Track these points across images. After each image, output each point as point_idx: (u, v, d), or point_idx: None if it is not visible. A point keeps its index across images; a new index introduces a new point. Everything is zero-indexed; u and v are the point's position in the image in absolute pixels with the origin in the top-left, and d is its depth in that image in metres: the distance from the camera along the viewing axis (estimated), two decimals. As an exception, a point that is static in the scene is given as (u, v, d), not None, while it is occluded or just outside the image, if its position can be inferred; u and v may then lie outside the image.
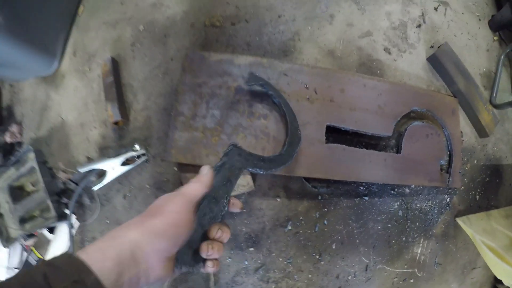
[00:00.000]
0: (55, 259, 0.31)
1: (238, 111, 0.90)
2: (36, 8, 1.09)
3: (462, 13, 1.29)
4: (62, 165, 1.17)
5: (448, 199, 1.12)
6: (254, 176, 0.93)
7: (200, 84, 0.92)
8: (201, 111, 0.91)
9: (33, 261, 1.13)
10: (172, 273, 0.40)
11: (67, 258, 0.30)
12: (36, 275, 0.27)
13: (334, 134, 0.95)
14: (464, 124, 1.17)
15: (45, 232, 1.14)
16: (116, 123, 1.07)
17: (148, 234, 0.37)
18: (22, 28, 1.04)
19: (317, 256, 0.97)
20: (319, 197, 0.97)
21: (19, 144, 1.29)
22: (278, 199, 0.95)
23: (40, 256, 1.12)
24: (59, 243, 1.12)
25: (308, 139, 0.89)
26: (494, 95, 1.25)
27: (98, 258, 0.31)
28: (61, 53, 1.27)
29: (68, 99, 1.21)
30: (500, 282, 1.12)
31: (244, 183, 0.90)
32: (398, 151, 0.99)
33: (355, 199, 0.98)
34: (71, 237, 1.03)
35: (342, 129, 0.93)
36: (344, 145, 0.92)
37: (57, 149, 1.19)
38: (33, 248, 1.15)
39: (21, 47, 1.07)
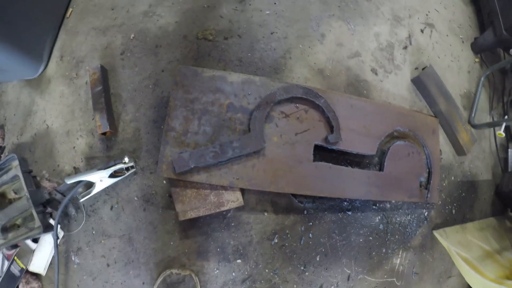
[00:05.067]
0: None
1: (229, 128, 0.91)
2: (22, 9, 1.05)
3: (447, 35, 1.36)
4: (47, 174, 1.14)
5: (426, 213, 1.19)
6: (242, 191, 0.95)
7: (192, 100, 0.93)
8: (193, 127, 0.91)
9: (15, 271, 1.10)
10: None
11: None
12: None
13: (321, 152, 0.98)
14: (443, 143, 1.24)
15: (28, 241, 1.11)
16: (104, 133, 1.05)
17: None
18: (8, 29, 1.00)
19: (302, 268, 1.01)
20: (305, 212, 1.00)
21: (1, 148, 1.25)
22: (266, 214, 0.98)
23: (22, 266, 1.08)
24: (42, 253, 1.10)
25: (297, 157, 0.92)
26: (473, 115, 1.33)
27: None
28: (47, 56, 1.23)
29: (54, 105, 1.17)
30: (474, 290, 1.19)
31: (234, 198, 0.92)
32: (380, 168, 1.04)
33: (339, 214, 1.03)
34: (57, 247, 1.01)
35: (329, 148, 0.97)
36: (330, 164, 0.96)
37: (41, 157, 1.16)
38: (16, 258, 1.11)
39: (6, 49, 1.03)
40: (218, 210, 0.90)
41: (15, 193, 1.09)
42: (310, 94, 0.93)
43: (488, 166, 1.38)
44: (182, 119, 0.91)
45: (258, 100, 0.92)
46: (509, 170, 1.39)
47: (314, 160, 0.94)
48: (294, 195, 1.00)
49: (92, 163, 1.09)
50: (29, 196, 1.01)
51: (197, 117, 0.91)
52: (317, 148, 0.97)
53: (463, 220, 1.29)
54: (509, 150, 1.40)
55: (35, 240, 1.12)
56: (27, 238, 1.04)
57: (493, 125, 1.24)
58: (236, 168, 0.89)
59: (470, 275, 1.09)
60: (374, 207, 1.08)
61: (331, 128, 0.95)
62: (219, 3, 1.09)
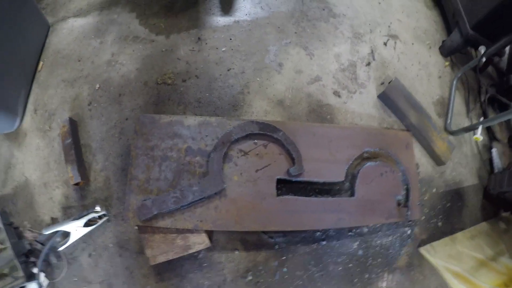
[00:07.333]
0: None
1: (189, 172, 0.92)
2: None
3: (412, 44, 1.34)
4: (29, 225, 1.18)
5: (409, 231, 1.15)
6: (210, 232, 0.95)
7: (152, 147, 0.94)
8: (155, 174, 0.93)
9: (9, 321, 1.12)
10: None
11: None
12: None
13: (287, 185, 0.97)
14: (420, 155, 1.21)
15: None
16: (77, 184, 1.08)
17: None
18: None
19: (281, 304, 0.98)
20: (276, 247, 0.99)
21: (-14, 202, 1.29)
22: (237, 252, 0.97)
23: (15, 316, 1.10)
24: (31, 302, 1.12)
25: (260, 194, 0.92)
26: (449, 121, 1.30)
27: None
28: (23, 110, 1.28)
29: (31, 158, 1.21)
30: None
31: (200, 241, 0.91)
32: (352, 194, 1.01)
33: (312, 245, 1.01)
34: (41, 297, 1.03)
35: (294, 180, 0.96)
36: (296, 196, 0.94)
37: (22, 208, 1.19)
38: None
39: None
40: (186, 253, 0.90)
41: (1, 243, 1.13)
42: (267, 128, 0.93)
43: (473, 170, 1.33)
44: (144, 167, 0.93)
45: (215, 141, 0.92)
46: (495, 170, 1.33)
47: (279, 195, 0.94)
48: (264, 231, 0.99)
49: (68, 213, 1.11)
50: (11, 247, 1.05)
51: (158, 164, 0.93)
52: (283, 181, 0.96)
53: (452, 231, 1.24)
54: (493, 149, 1.34)
55: (25, 289, 1.15)
56: (12, 287, 1.07)
57: (470, 129, 1.19)
58: (199, 211, 0.89)
59: (462, 291, 1.03)
60: (350, 233, 1.05)
61: (292, 161, 0.94)
62: (176, 46, 1.12)
